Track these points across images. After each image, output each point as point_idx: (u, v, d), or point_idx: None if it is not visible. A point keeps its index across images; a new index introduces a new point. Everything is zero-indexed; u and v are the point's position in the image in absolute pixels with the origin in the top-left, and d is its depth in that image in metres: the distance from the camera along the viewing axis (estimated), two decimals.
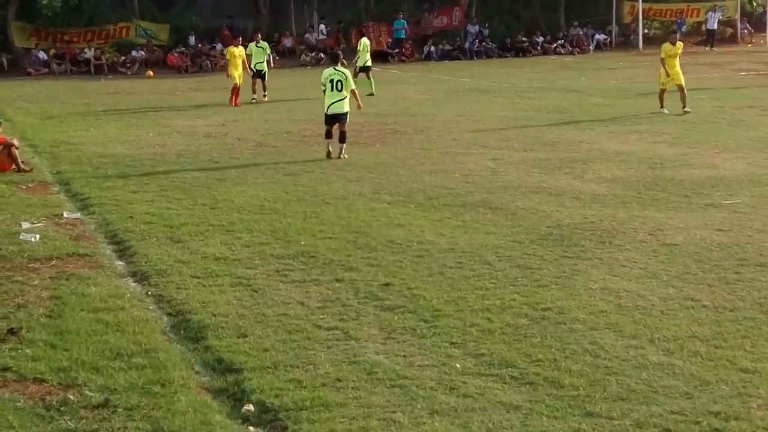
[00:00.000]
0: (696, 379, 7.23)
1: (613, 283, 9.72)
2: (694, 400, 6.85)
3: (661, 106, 23.19)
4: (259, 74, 27.80)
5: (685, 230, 11.76)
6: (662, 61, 23.38)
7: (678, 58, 23.40)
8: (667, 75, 23.18)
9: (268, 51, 28.69)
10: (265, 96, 27.51)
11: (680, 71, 23.23)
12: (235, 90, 26.80)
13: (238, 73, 26.83)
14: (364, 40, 30.99)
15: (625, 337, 8.14)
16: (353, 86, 17.75)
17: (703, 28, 46.34)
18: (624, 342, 8.04)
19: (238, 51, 27.18)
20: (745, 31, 50.64)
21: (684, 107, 22.82)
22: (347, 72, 17.75)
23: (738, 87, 29.09)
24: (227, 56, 27.77)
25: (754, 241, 11.20)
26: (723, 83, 29.21)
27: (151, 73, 39.01)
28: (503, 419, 6.63)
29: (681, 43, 24.26)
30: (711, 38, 46.09)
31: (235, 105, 26.45)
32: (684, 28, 49.61)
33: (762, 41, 49.02)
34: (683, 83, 23.09)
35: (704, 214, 12.68)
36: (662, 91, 23.42)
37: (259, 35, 29.50)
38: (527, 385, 7.19)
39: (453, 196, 14.08)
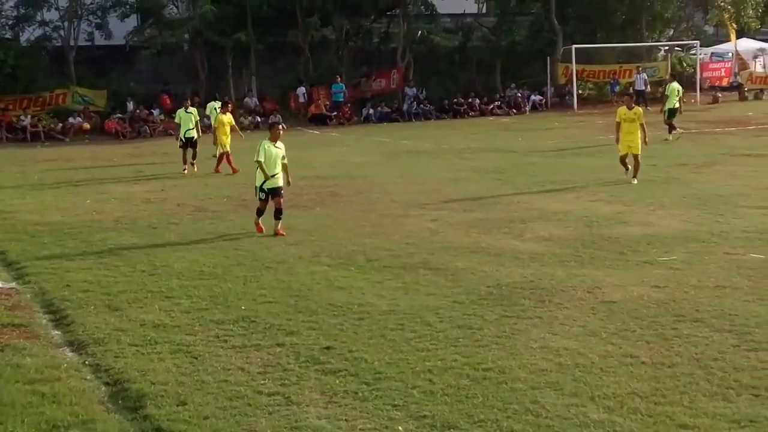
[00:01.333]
0: None
1: (553, 341, 9.78)
2: None
3: (626, 169, 21.65)
4: (189, 142, 26.65)
5: (622, 287, 11.90)
6: (617, 126, 21.94)
7: (639, 124, 21.65)
8: (617, 141, 21.83)
9: (196, 118, 27.60)
10: (194, 164, 26.37)
11: (639, 140, 21.53)
12: (226, 157, 25.85)
13: (227, 139, 26.00)
14: (211, 104, 31.87)
15: (565, 396, 8.19)
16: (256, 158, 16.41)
17: (631, 89, 47.31)
18: (565, 400, 8.07)
19: (227, 118, 26.61)
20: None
21: (634, 177, 21.30)
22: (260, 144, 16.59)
23: (671, 146, 29.62)
24: (215, 123, 26.92)
25: (690, 297, 11.35)
26: (656, 142, 29.71)
27: (87, 125, 38.74)
28: None
29: (639, 108, 22.79)
30: (642, 98, 46.96)
31: (233, 171, 25.35)
32: (617, 89, 50.63)
33: (693, 100, 50.11)
34: (639, 153, 21.54)
35: (641, 271, 12.85)
36: (622, 158, 21.80)
37: (188, 101, 28.35)
38: None
39: (393, 258, 14.11)
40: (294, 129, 37.22)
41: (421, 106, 47.12)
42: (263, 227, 16.46)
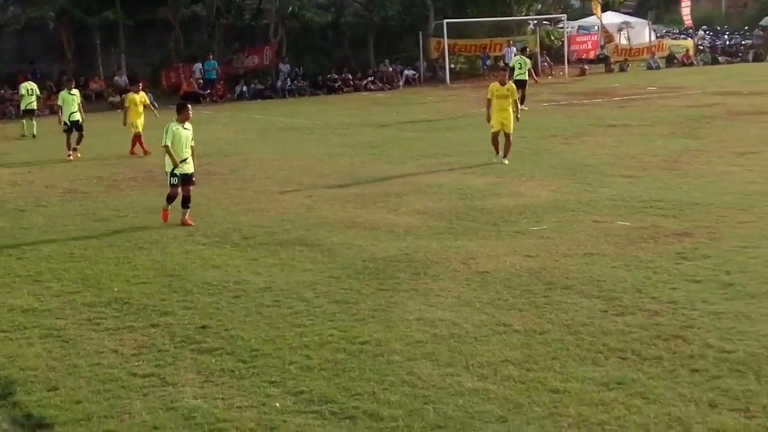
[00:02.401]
0: (510, 402, 7.42)
1: (428, 313, 9.88)
2: (508, 424, 7.03)
3: (497, 152, 20.59)
4: (74, 126, 25.16)
5: (495, 258, 12.10)
6: (488, 102, 20.76)
7: (511, 101, 20.66)
8: (488, 119, 20.70)
9: (79, 100, 26.14)
10: (77, 149, 24.74)
11: (511, 116, 20.54)
12: (138, 138, 24.65)
13: (140, 121, 24.85)
14: (26, 84, 31.69)
15: (441, 366, 8.29)
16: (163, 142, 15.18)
17: (501, 63, 47.99)
18: (440, 370, 8.18)
19: (139, 97, 25.39)
20: (545, 63, 52.72)
21: (504, 156, 20.39)
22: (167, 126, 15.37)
23: (541, 118, 30.19)
24: (126, 103, 25.48)
25: (560, 265, 11.62)
26: (526, 114, 30.20)
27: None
28: None
29: (512, 84, 21.58)
30: (511, 72, 47.64)
31: (145, 153, 24.25)
32: (488, 62, 51.29)
33: (561, 73, 51.17)
34: (511, 131, 20.51)
35: (513, 241, 13.08)
36: (494, 136, 20.61)
37: (72, 83, 26.91)
38: (347, 420, 7.22)
39: (269, 235, 14.05)
40: (166, 107, 36.52)
41: (295, 82, 46.90)
42: (169, 216, 15.25)
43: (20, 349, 9.15)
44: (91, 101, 41.64)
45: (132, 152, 24.84)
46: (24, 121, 31.14)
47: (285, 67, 47.29)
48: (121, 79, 44.96)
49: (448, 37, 48.98)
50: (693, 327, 9.06)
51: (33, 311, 10.43)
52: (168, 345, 9.14)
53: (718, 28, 71.93)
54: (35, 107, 31.65)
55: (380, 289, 10.86)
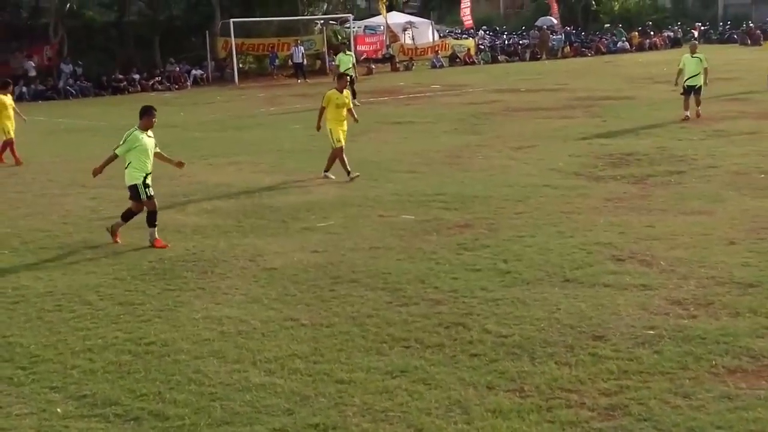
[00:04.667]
0: (296, 395, 7.52)
1: (216, 311, 9.87)
2: (294, 416, 7.12)
3: (348, 171, 17.88)
4: None
5: (283, 254, 12.18)
6: (321, 111, 18.35)
7: (346, 110, 18.41)
8: (318, 128, 18.54)
9: None
10: None
11: (345, 130, 18.25)
12: (10, 145, 22.26)
13: (11, 124, 22.25)
14: None
15: (228, 362, 8.31)
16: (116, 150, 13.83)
17: (290, 62, 48.13)
18: (227, 367, 8.19)
19: (8, 100, 22.64)
20: (333, 63, 53.20)
21: (326, 171, 18.19)
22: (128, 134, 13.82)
23: None
24: None
25: (346, 259, 11.82)
26: (315, 113, 30.44)
27: None
28: None
29: (348, 91, 19.12)
30: (300, 71, 48.02)
31: (17, 163, 22.04)
32: (277, 62, 51.35)
33: None
34: (343, 144, 18.10)
35: (301, 237, 13.20)
36: (341, 150, 17.96)
37: None
38: (132, 421, 7.14)
39: (50, 239, 13.67)
40: None
41: (78, 83, 45.51)
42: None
43: None
44: None
45: (1, 160, 22.52)
46: None
47: (67, 68, 45.77)
48: None
49: (235, 37, 48.63)
50: (473, 314, 9.42)
51: None
52: None
53: (497, 28, 74.76)
54: None
55: (167, 289, 10.76)
